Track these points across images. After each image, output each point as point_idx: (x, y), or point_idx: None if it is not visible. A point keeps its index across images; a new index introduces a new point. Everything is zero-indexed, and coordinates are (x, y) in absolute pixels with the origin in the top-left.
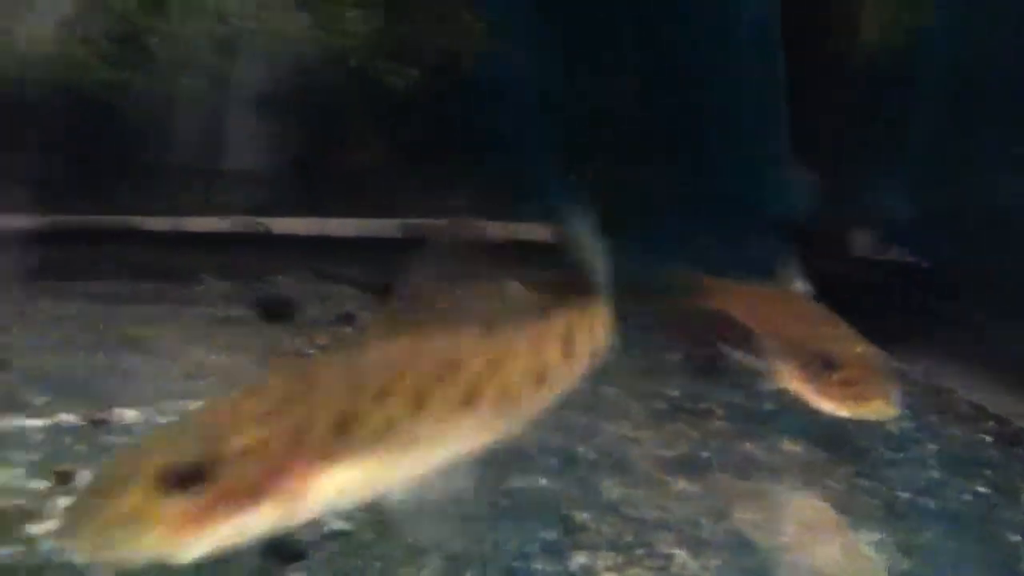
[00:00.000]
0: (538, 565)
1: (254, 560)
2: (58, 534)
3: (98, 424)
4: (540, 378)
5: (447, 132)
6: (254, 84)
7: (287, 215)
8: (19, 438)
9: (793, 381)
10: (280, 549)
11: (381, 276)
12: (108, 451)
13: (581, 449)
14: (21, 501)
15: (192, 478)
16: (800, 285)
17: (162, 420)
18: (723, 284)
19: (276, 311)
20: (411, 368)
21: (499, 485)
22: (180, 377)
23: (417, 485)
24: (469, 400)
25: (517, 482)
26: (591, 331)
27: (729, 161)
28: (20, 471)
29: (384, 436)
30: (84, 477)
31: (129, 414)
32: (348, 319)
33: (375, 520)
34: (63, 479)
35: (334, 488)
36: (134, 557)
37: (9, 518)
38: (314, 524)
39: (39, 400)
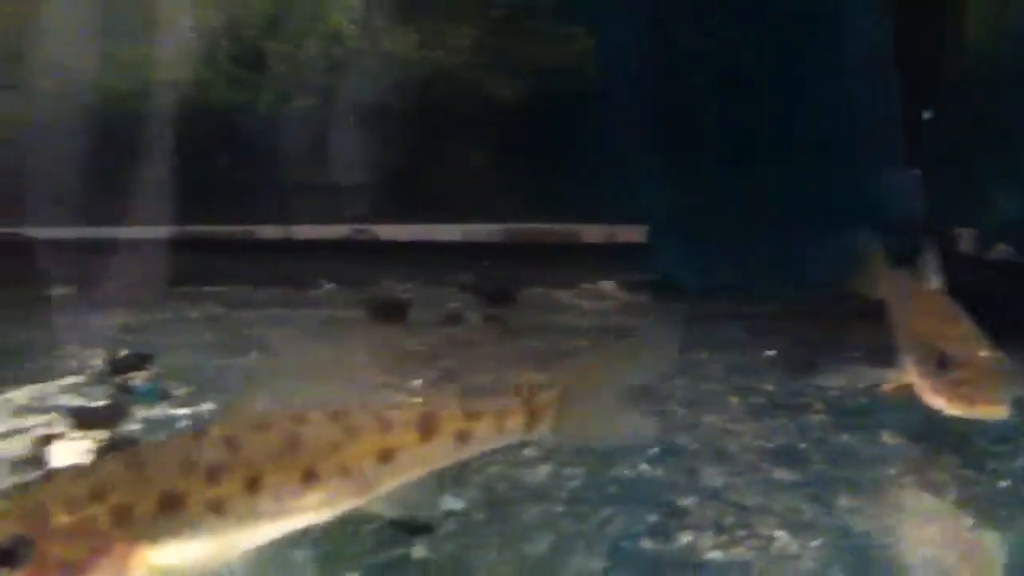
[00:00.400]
0: (644, 544)
1: (384, 531)
2: None
3: None
4: (385, 457)
5: (550, 141)
6: (365, 100)
7: (395, 222)
8: (167, 425)
9: (911, 376)
10: (407, 523)
11: (485, 279)
12: None
13: (682, 440)
14: None
15: (14, 556)
16: (937, 282)
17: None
18: (892, 274)
19: (388, 312)
20: (248, 448)
21: (604, 473)
22: (304, 372)
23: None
24: (307, 477)
25: (622, 471)
26: (469, 418)
27: (845, 166)
28: None
29: (214, 514)
30: None
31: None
32: (455, 319)
33: (488, 501)
34: None
35: (161, 564)
36: None
37: None
38: (432, 503)
39: (182, 391)
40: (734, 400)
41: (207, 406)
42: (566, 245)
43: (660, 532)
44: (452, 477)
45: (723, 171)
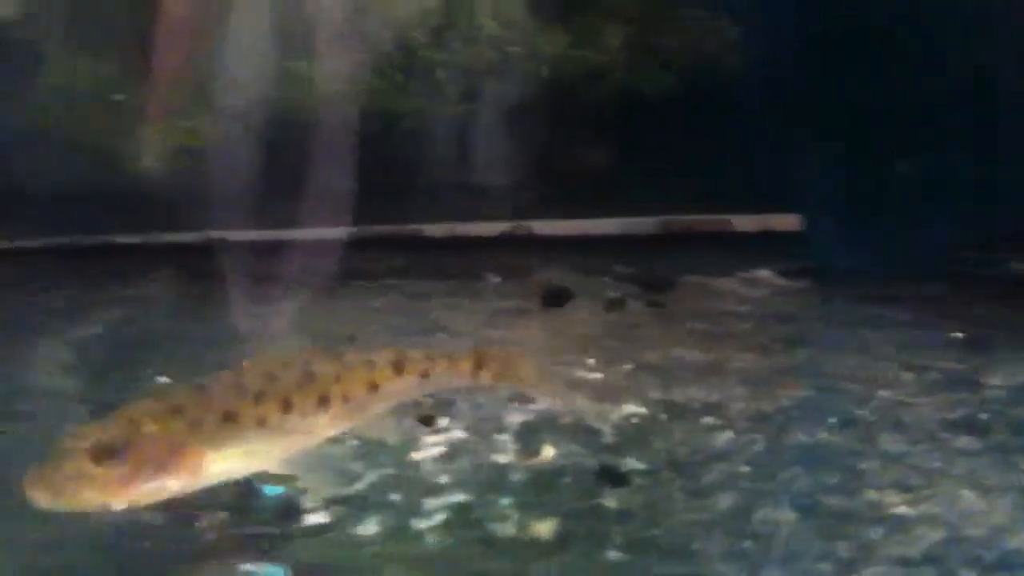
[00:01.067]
0: (829, 500)
1: (588, 481)
2: (27, 486)
3: None
4: (372, 387)
5: (701, 132)
6: (521, 101)
7: (551, 218)
8: None
9: None
10: (609, 474)
11: (641, 269)
12: (451, 404)
13: (859, 412)
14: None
15: (113, 453)
16: None
17: None
18: None
19: (554, 300)
20: (279, 379)
21: (783, 440)
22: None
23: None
24: (321, 404)
25: (800, 438)
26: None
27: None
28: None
29: (259, 428)
30: (445, 422)
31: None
32: (618, 305)
33: (671, 463)
34: (428, 421)
35: (220, 468)
36: (76, 507)
37: (393, 448)
38: (617, 461)
39: None
40: (908, 376)
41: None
42: (720, 235)
43: (844, 490)
44: (632, 441)
45: (882, 155)
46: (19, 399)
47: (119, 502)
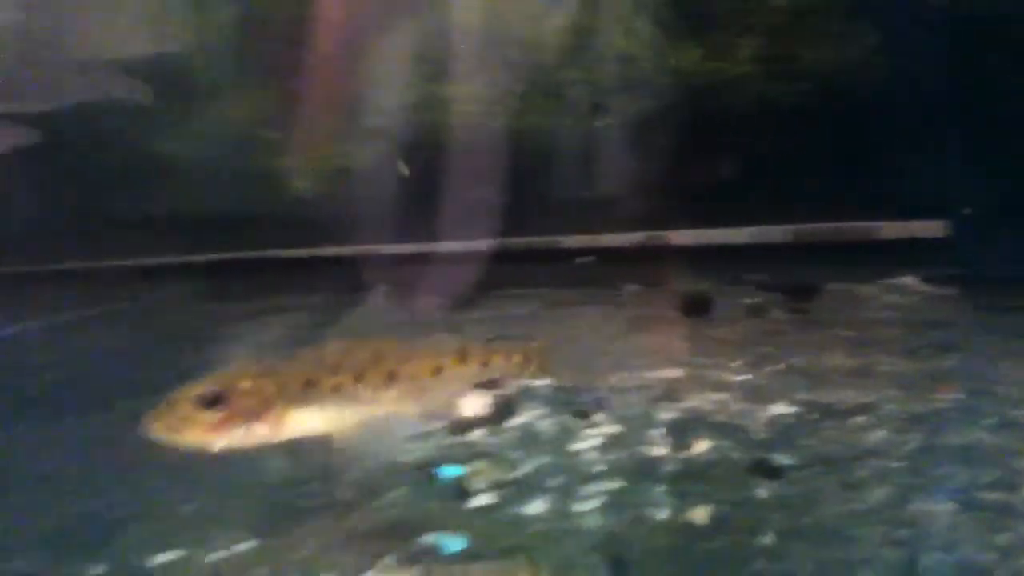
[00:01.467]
0: (987, 495)
1: (740, 473)
2: (147, 424)
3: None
4: (436, 371)
5: (841, 142)
6: (654, 115)
7: (687, 228)
8: (534, 395)
9: None
10: (763, 467)
11: (780, 277)
12: (602, 402)
13: (1015, 413)
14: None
15: (215, 402)
16: None
17: (626, 384)
18: None
19: (695, 308)
20: (353, 356)
21: (938, 439)
22: (636, 354)
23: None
24: (389, 379)
25: (955, 438)
26: (489, 354)
27: None
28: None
29: (334, 395)
30: (600, 417)
31: (613, 378)
32: (760, 312)
33: (823, 459)
34: (582, 415)
35: (300, 423)
36: (183, 444)
37: (551, 439)
38: (773, 456)
39: None
40: None
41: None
42: (861, 243)
43: (1003, 486)
44: (782, 438)
45: None
46: None
47: (216, 443)
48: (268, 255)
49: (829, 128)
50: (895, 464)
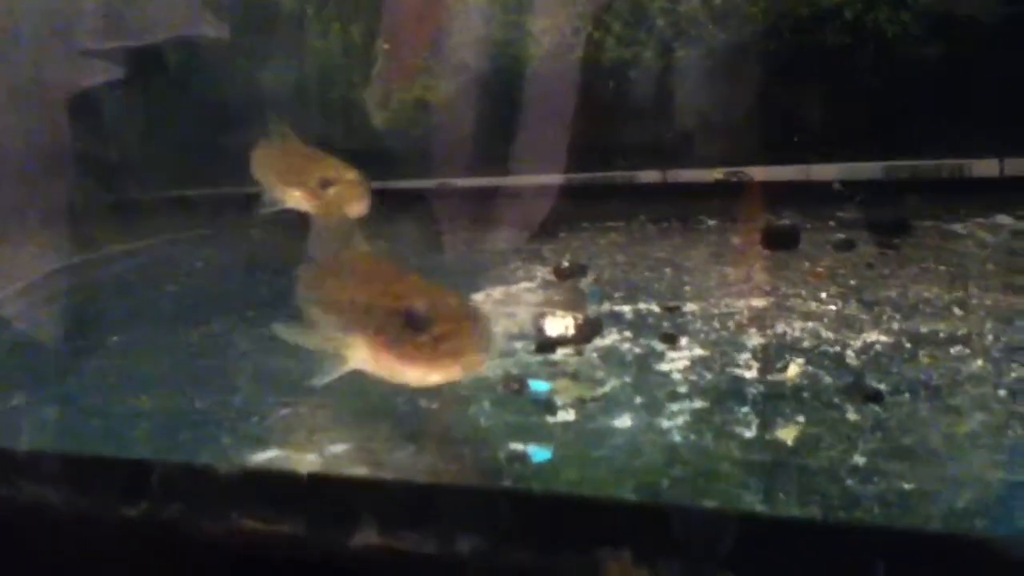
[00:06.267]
0: None
1: (831, 396)
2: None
3: (672, 311)
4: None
5: (931, 77)
6: (742, 47)
7: (772, 163)
8: (617, 320)
9: None
10: (861, 389)
11: (867, 213)
12: (687, 328)
13: None
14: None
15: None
16: None
17: (711, 311)
18: None
19: (781, 240)
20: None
21: None
22: (717, 286)
23: None
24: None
25: None
26: None
27: None
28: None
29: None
30: (684, 342)
31: (690, 306)
32: (848, 246)
33: (917, 383)
34: (669, 340)
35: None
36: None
37: (635, 360)
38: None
39: (618, 294)
40: None
41: (642, 305)
42: (950, 181)
43: None
44: (876, 366)
45: None
46: None
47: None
48: None
49: (927, 61)
50: (995, 393)
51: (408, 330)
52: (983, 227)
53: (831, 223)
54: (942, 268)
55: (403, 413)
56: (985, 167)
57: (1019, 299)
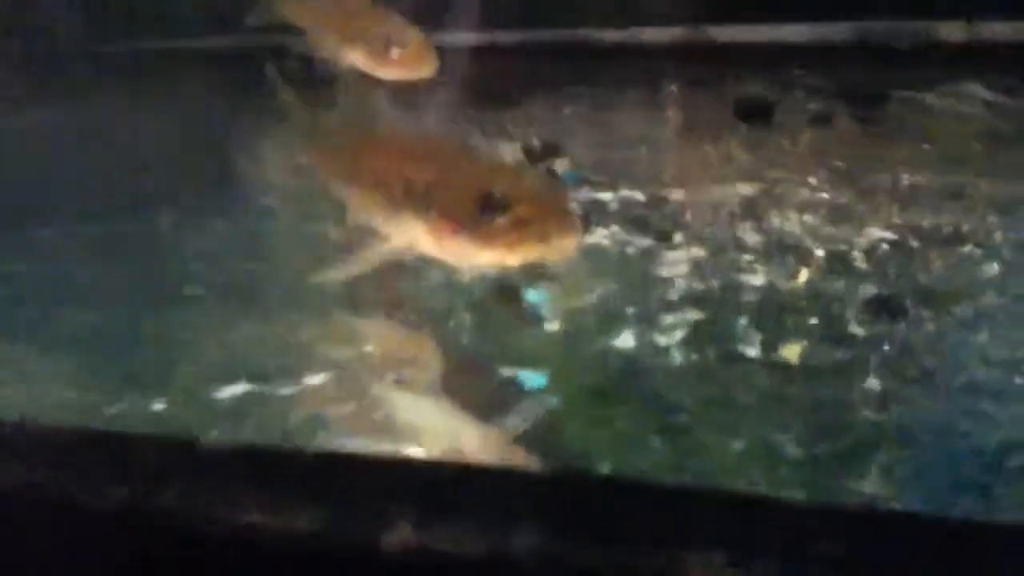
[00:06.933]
0: None
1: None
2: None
3: (660, 202)
4: None
5: None
6: None
7: (734, 23)
8: (602, 211)
9: None
10: (886, 304)
11: (840, 81)
12: (678, 222)
13: None
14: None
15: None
16: None
17: (699, 200)
18: None
19: (754, 112)
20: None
21: None
22: (699, 165)
23: None
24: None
25: None
26: None
27: None
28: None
29: None
30: (678, 236)
31: (675, 194)
32: (824, 120)
33: (934, 293)
34: (664, 237)
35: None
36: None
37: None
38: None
39: (598, 178)
40: None
41: (624, 192)
42: (922, 44)
43: None
44: (882, 270)
45: None
46: None
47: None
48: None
49: None
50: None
51: (487, 212)
52: (957, 97)
53: (800, 92)
54: (927, 147)
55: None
56: (953, 29)
57: (1014, 187)
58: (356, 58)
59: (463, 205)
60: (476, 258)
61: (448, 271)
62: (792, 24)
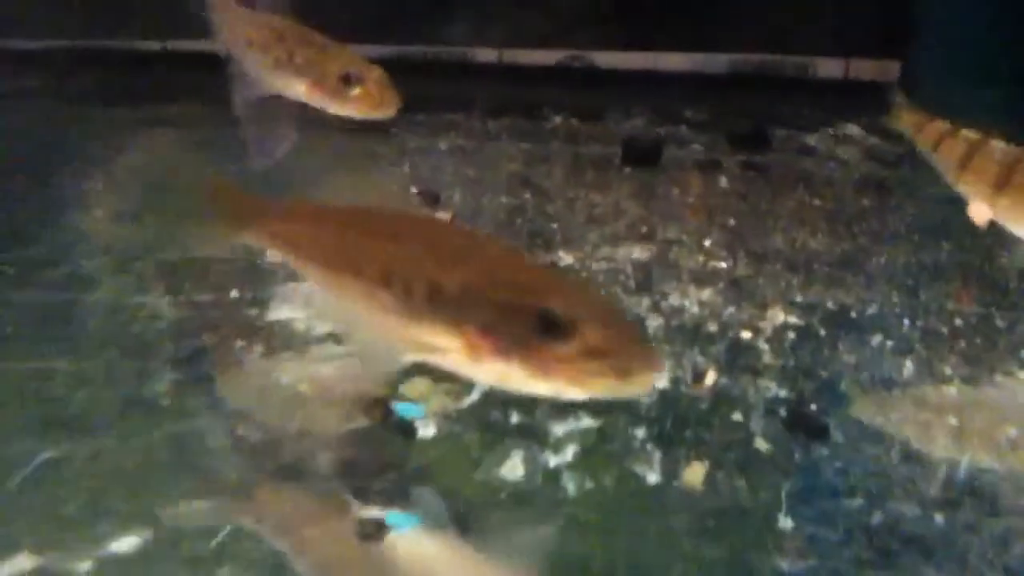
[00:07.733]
0: None
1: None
2: None
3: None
4: None
5: None
6: None
7: (615, 50)
8: None
9: None
10: (804, 422)
11: (722, 116)
12: None
13: None
14: None
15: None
16: None
17: (589, 263)
18: None
19: (641, 154)
20: None
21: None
22: (586, 222)
23: None
24: None
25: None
26: None
27: None
28: None
29: None
30: None
31: (564, 256)
32: (713, 166)
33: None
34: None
35: None
36: None
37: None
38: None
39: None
40: None
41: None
42: (799, 80)
43: None
44: (792, 365)
45: None
46: None
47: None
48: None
49: None
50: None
51: (545, 336)
52: (838, 140)
53: (687, 127)
54: (817, 203)
55: None
56: (834, 67)
57: (914, 257)
58: (310, 94)
59: (517, 320)
60: (530, 386)
61: None
62: (671, 52)
